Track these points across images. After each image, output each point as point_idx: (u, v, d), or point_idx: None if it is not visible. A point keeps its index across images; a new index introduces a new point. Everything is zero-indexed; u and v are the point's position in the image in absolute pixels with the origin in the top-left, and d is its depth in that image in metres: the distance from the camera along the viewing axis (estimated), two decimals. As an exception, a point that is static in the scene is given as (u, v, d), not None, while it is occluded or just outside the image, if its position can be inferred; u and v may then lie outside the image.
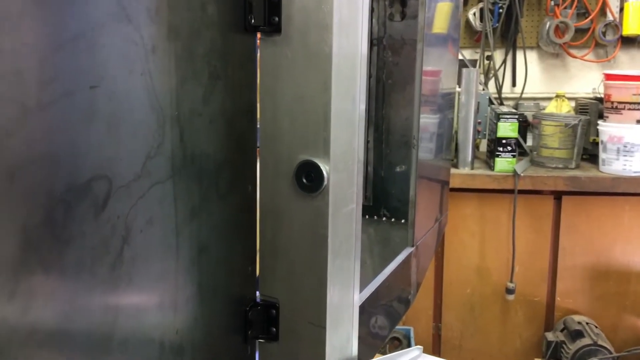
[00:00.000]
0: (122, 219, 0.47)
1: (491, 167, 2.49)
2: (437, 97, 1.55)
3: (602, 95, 2.61)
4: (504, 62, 2.97)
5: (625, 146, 2.38)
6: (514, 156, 2.45)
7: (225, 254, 0.64)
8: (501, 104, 2.91)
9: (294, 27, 0.61)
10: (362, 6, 0.64)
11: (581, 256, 2.48)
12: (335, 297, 0.66)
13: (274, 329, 0.67)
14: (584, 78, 3.00)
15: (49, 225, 0.40)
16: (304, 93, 0.62)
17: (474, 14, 2.90)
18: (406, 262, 1.28)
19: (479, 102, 2.55)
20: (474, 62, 2.96)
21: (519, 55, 2.98)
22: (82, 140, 0.43)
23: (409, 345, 2.35)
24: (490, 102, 2.72)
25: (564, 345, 2.36)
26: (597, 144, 2.52)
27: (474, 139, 2.52)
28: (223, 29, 0.59)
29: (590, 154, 2.62)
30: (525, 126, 2.74)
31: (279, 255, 0.66)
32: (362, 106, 0.66)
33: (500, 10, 2.86)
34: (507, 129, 2.45)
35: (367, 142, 1.64)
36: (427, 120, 1.46)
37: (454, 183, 2.39)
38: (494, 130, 2.49)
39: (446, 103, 1.62)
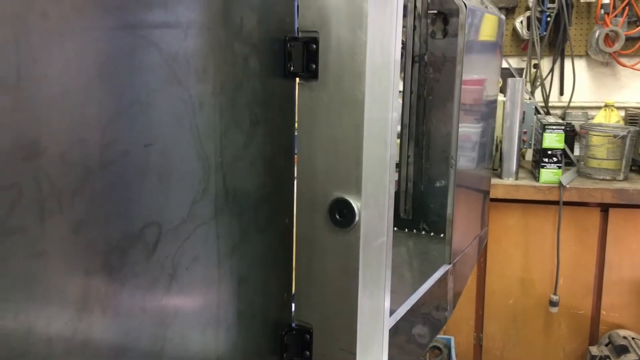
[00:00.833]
0: (169, 259, 0.53)
1: (536, 178, 2.47)
2: (481, 106, 1.56)
3: (653, 106, 2.56)
4: (552, 70, 2.93)
5: (676, 159, 2.32)
6: (559, 167, 2.42)
7: (263, 283, 0.69)
8: (548, 113, 2.88)
9: (329, 74, 0.66)
10: (394, 53, 0.68)
11: (628, 270, 2.43)
12: (365, 324, 0.70)
13: (308, 353, 0.72)
14: (634, 87, 2.93)
15: (106, 270, 0.46)
16: (338, 135, 0.67)
17: (521, 22, 2.88)
18: (442, 279, 1.30)
19: (524, 112, 2.53)
20: (520, 71, 2.94)
21: (567, 63, 2.94)
22: (137, 193, 0.49)
23: (449, 355, 2.36)
24: (537, 112, 2.70)
25: (608, 360, 2.33)
26: (646, 155, 2.47)
27: (519, 149, 2.50)
28: (264, 77, 0.64)
29: (639, 165, 2.57)
30: (572, 136, 2.70)
31: (313, 284, 0.71)
32: (393, 147, 0.70)
33: (548, 19, 2.83)
34: (553, 139, 2.43)
35: (407, 156, 1.67)
36: (469, 130, 1.48)
37: (498, 193, 2.39)
38: (539, 140, 2.47)
39: (490, 111, 1.63)
